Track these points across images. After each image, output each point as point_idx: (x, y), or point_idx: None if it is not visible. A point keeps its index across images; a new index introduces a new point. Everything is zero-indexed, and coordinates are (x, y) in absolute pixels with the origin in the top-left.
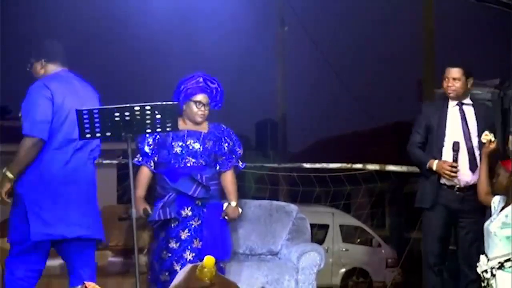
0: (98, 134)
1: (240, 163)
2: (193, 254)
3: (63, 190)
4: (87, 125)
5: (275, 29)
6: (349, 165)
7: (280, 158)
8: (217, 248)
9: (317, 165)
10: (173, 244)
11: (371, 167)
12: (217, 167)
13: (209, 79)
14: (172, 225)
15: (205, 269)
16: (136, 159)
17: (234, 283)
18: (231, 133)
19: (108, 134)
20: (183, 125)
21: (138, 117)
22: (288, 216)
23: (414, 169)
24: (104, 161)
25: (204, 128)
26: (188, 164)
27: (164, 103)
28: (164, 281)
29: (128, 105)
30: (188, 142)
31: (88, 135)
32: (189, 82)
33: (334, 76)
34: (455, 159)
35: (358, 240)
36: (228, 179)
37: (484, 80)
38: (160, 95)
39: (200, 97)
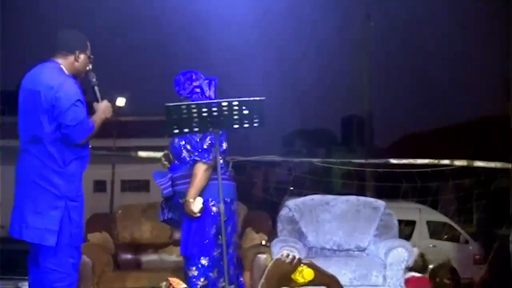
0: (185, 130)
1: (207, 156)
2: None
3: None
4: (175, 121)
5: (361, 24)
6: (436, 161)
7: (366, 153)
8: (186, 244)
9: (404, 161)
10: None
11: (459, 163)
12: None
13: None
14: None
15: (302, 278)
16: None
17: (332, 277)
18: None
19: (196, 129)
20: None
21: (226, 112)
22: (375, 212)
23: (503, 165)
24: None
25: None
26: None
27: (251, 98)
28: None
29: (216, 100)
30: (175, 141)
31: (175, 131)
32: None
33: (421, 72)
34: None
35: (445, 236)
36: (194, 172)
37: None
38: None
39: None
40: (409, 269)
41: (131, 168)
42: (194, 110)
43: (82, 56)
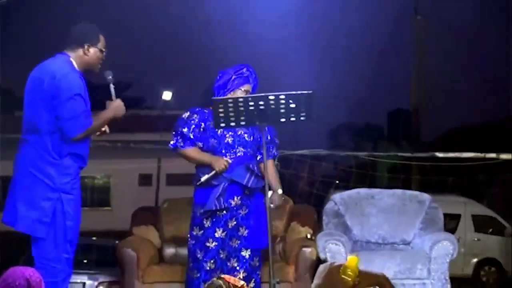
0: (232, 124)
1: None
2: (238, 242)
3: None
4: (221, 115)
5: (409, 18)
6: (482, 155)
7: (412, 147)
8: (262, 237)
9: (450, 155)
10: (219, 233)
11: (505, 156)
12: (258, 157)
13: (251, 70)
14: (219, 214)
15: (349, 270)
16: (173, 142)
17: (381, 275)
18: None
19: (243, 123)
20: None
21: (273, 106)
22: (421, 206)
23: None
24: None
25: None
26: (239, 154)
27: (299, 92)
28: (209, 269)
29: (262, 94)
30: (239, 132)
31: (222, 124)
32: (235, 73)
33: (467, 65)
34: None
35: (491, 230)
36: (271, 168)
37: None
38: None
39: (247, 86)
40: None
41: (176, 162)
42: (241, 104)
43: (91, 50)
